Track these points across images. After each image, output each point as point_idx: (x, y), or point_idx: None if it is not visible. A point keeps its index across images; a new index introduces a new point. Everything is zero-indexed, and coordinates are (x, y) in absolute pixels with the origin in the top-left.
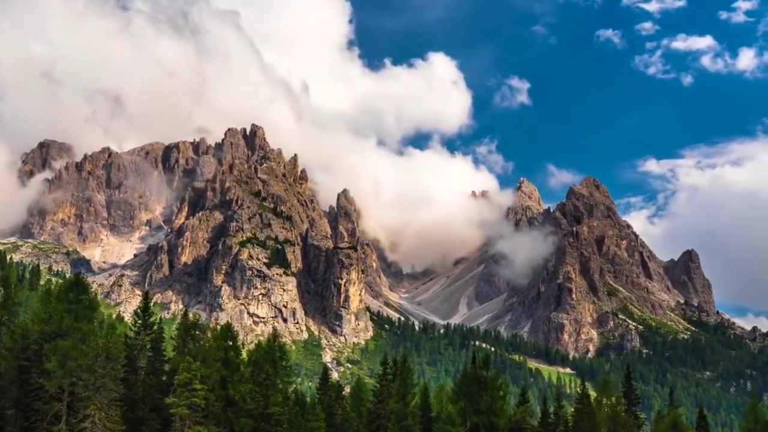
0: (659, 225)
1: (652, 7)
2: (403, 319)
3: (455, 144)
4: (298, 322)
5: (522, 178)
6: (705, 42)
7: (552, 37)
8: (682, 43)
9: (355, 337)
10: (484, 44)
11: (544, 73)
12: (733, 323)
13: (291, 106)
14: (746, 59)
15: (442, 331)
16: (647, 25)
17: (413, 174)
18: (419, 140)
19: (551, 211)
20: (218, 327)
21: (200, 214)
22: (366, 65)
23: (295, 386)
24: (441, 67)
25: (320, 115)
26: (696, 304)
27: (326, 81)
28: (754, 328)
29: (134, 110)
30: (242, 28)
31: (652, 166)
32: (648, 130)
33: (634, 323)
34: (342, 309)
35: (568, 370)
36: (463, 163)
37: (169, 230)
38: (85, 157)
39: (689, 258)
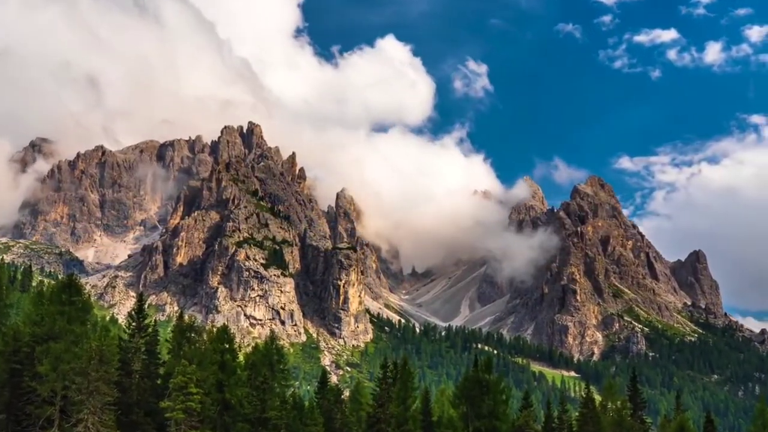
0: (641, 225)
1: (609, 1)
2: (403, 321)
3: (423, 130)
4: (296, 325)
5: (525, 177)
6: (669, 35)
7: (512, 30)
8: (645, 37)
9: (355, 339)
10: (442, 34)
11: (507, 67)
12: (741, 325)
13: (257, 95)
14: (713, 53)
15: (443, 333)
16: (606, 18)
17: (405, 167)
18: (387, 128)
19: (555, 210)
20: (214, 329)
21: (196, 213)
22: (317, 53)
23: (293, 390)
24: (395, 53)
25: (287, 106)
26: (703, 306)
27: (280, 68)
28: (763, 331)
29: (110, 100)
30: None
31: (626, 163)
32: (619, 126)
33: (640, 325)
34: (341, 311)
35: (572, 373)
36: (449, 152)
37: (164, 230)
38: (78, 155)
39: (696, 259)
